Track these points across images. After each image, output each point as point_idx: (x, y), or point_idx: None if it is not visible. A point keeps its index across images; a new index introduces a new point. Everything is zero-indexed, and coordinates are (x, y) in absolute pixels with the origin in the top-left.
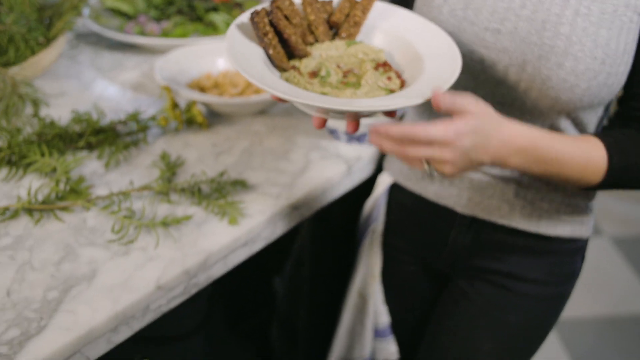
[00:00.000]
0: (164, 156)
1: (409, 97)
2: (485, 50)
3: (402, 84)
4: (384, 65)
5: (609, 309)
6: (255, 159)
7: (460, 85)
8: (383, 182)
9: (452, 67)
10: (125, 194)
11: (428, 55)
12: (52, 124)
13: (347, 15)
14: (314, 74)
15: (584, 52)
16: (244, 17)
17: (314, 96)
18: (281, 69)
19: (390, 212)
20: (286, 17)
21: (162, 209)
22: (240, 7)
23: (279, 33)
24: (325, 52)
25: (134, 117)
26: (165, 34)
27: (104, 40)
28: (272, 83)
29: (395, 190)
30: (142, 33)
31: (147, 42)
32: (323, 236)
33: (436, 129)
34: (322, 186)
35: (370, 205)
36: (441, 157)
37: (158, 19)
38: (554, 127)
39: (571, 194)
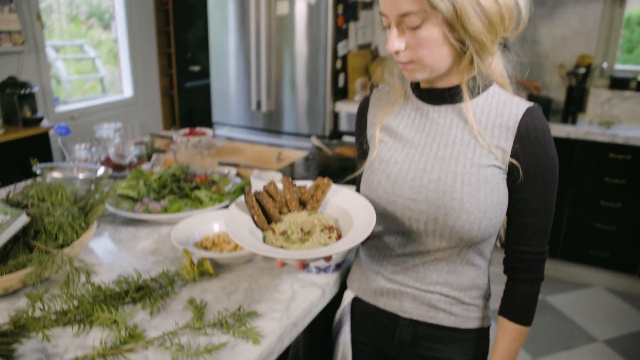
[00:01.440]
0: (192, 301)
1: (319, 252)
2: (410, 213)
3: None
4: (329, 229)
5: None
6: (256, 294)
7: (397, 238)
8: (347, 297)
9: (363, 233)
10: (173, 333)
11: (357, 221)
12: (100, 288)
13: (312, 195)
14: (283, 233)
15: (472, 208)
16: (241, 197)
17: (267, 249)
18: (262, 229)
19: (354, 318)
20: (271, 196)
21: (202, 340)
22: (216, 184)
23: (263, 206)
24: (293, 219)
25: (165, 274)
26: (164, 209)
27: (118, 218)
28: (248, 242)
29: (357, 301)
30: (148, 211)
31: (153, 218)
32: (311, 339)
33: None
34: (308, 307)
35: (340, 313)
36: None
37: (157, 199)
38: (465, 255)
39: (475, 298)
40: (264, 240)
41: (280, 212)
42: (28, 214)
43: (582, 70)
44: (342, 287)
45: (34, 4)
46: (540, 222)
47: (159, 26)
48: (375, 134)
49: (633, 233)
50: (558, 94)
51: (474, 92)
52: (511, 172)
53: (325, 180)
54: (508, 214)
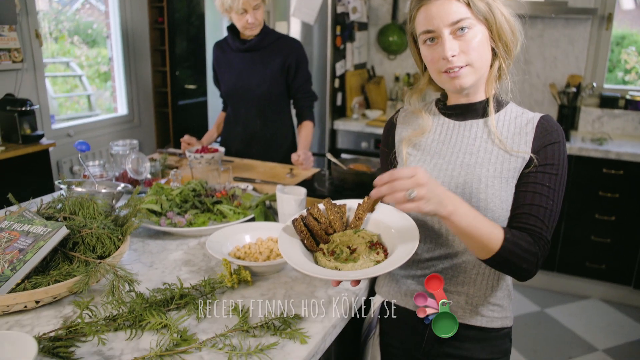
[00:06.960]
0: (236, 307)
1: (379, 269)
2: None
3: (386, 255)
4: (375, 244)
5: None
6: (294, 299)
7: (425, 244)
8: (376, 302)
9: (412, 244)
10: (224, 335)
11: (399, 234)
12: (142, 295)
13: (354, 214)
14: (332, 253)
15: (495, 207)
16: (289, 222)
17: (325, 272)
18: (312, 251)
19: (383, 321)
20: (316, 218)
21: (252, 342)
22: (237, 198)
23: (310, 230)
24: (340, 238)
25: (207, 282)
26: (190, 223)
27: (144, 231)
28: (307, 267)
29: (386, 305)
30: (173, 224)
31: (184, 231)
32: (340, 344)
33: (408, 168)
34: (345, 309)
35: (369, 317)
36: (417, 181)
37: (180, 213)
38: None
39: (500, 299)
40: (316, 261)
41: (327, 233)
42: (66, 227)
43: (573, 90)
44: (370, 293)
45: (33, 22)
46: (544, 205)
47: (154, 45)
48: (402, 150)
49: (627, 245)
50: (550, 112)
51: (495, 108)
52: (528, 164)
53: (365, 198)
54: (516, 200)
